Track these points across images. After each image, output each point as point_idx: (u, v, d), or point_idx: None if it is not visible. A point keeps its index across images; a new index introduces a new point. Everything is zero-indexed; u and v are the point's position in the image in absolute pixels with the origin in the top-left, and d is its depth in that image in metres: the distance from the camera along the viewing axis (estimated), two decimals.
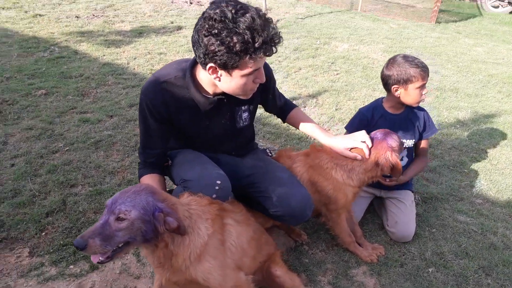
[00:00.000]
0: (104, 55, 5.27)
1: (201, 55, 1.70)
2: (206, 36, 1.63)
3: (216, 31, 1.60)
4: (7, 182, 2.79)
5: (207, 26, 1.62)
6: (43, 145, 3.23)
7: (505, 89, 5.43)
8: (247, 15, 1.61)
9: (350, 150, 2.26)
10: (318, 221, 2.72)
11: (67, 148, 3.24)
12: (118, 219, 1.47)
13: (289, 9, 9.00)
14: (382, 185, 2.77)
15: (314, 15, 8.73)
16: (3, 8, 6.91)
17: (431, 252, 2.56)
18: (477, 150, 3.81)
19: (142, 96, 1.97)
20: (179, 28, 6.74)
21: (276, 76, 5.11)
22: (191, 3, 8.33)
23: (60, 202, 2.66)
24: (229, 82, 1.80)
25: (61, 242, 2.40)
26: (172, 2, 8.26)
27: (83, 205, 2.68)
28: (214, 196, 1.88)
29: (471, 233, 2.74)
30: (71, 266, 2.27)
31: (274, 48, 1.73)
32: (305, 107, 4.37)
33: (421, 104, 2.69)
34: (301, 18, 8.27)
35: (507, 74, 6.02)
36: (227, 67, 1.71)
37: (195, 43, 1.70)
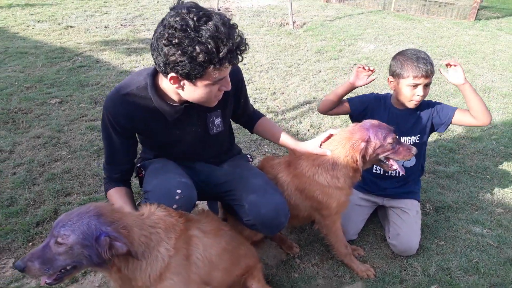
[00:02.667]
0: (123, 63, 5.35)
1: (161, 64, 1.60)
2: (166, 46, 1.52)
3: (177, 40, 1.49)
4: (5, 191, 2.83)
5: (167, 35, 1.50)
6: (47, 153, 3.28)
7: None
8: (210, 23, 1.50)
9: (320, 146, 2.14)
10: (313, 232, 2.56)
11: (69, 156, 3.27)
12: (57, 243, 1.41)
13: (317, 12, 8.82)
14: (384, 192, 2.57)
15: (344, 16, 8.49)
16: (38, 21, 7.24)
17: (436, 267, 2.31)
18: (505, 155, 3.46)
19: (104, 110, 1.88)
20: None
21: (292, 80, 5.04)
22: (219, 9, 8.37)
23: (51, 211, 2.66)
24: (193, 92, 1.69)
25: None
26: None
27: None
28: (174, 206, 1.77)
29: (486, 246, 2.46)
30: None
31: (239, 57, 1.62)
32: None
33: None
34: (330, 20, 8.06)
35: None
36: (190, 77, 1.60)
37: (154, 51, 1.59)
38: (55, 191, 2.84)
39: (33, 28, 6.78)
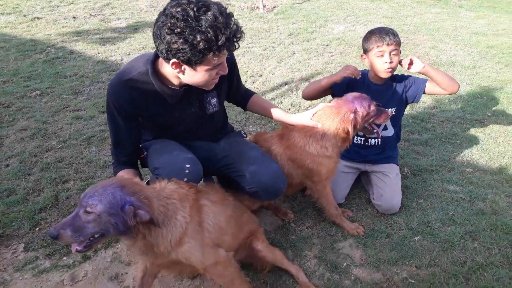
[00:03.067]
0: (98, 53, 5.34)
1: (164, 51, 1.72)
2: (168, 34, 1.64)
3: (179, 30, 1.62)
4: (2, 182, 2.87)
5: (169, 24, 1.63)
6: (36, 144, 3.31)
7: (504, 60, 5.33)
8: (209, 13, 1.63)
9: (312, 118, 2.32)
10: (304, 199, 2.75)
11: (60, 145, 3.32)
12: (86, 212, 1.52)
13: None
14: (366, 159, 2.79)
15: None
16: (2, 14, 7.03)
17: (417, 221, 2.56)
18: (471, 121, 3.76)
19: (108, 97, 1.99)
20: None
21: (269, 62, 5.19)
22: None
23: (52, 198, 2.74)
24: (193, 76, 1.83)
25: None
26: None
27: (75, 199, 2.75)
28: (185, 179, 1.91)
29: (459, 201, 2.73)
30: (64, 258, 2.34)
31: (236, 44, 1.77)
32: (297, 90, 4.36)
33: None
34: (299, 3, 8.21)
35: (507, 45, 5.90)
36: (191, 63, 1.74)
37: (157, 38, 1.71)
38: (52, 179, 2.90)
39: None
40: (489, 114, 3.91)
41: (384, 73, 2.57)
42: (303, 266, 2.26)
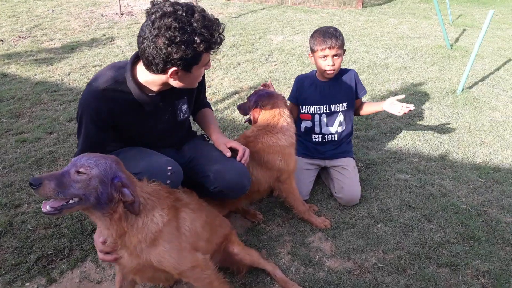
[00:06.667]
0: (35, 75, 5.09)
1: (160, 64, 1.73)
2: (169, 46, 1.66)
3: (178, 38, 1.65)
4: None
5: (167, 35, 1.64)
6: None
7: (429, 59, 5.84)
8: (196, 14, 1.69)
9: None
10: (271, 199, 2.82)
11: (7, 170, 3.12)
12: (78, 172, 1.49)
13: (222, 10, 9.10)
14: (324, 155, 2.93)
15: (247, 12, 8.88)
16: None
17: (377, 210, 2.73)
18: (410, 116, 4.08)
19: (83, 107, 1.94)
20: (112, 39, 6.63)
21: (216, 73, 5.25)
22: (122, 14, 8.21)
23: (6, 223, 2.57)
24: (188, 78, 1.87)
25: (13, 262, 2.32)
26: (102, 16, 8.10)
27: (31, 222, 2.60)
28: (168, 181, 1.91)
29: (412, 188, 2.95)
30: (27, 284, 2.20)
31: (223, 36, 1.83)
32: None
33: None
34: (235, 17, 8.39)
35: (430, 46, 6.45)
36: (190, 67, 1.78)
37: (150, 53, 1.71)
38: (2, 204, 2.72)
39: None
40: (424, 108, 4.25)
41: (326, 74, 2.76)
42: (278, 263, 2.32)
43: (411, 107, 2.74)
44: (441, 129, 3.82)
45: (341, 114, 2.87)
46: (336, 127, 2.88)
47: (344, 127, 2.92)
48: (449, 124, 3.92)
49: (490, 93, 4.68)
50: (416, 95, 4.59)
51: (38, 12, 8.41)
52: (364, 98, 3.09)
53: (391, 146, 3.54)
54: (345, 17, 8.66)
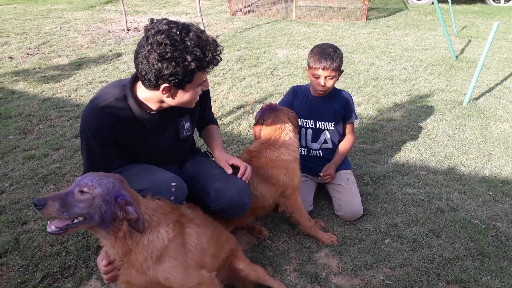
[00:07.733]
0: (43, 91, 5.15)
1: (153, 79, 1.75)
2: (159, 61, 1.69)
3: (169, 55, 1.68)
4: None
5: (158, 51, 1.68)
6: None
7: (435, 71, 5.82)
8: (191, 34, 1.72)
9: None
10: (277, 215, 2.80)
11: (14, 187, 3.14)
12: (82, 192, 1.51)
13: (227, 25, 9.18)
14: (312, 171, 2.93)
15: (252, 27, 8.95)
16: None
17: (385, 225, 2.70)
18: (416, 128, 4.05)
19: (84, 124, 1.96)
20: (119, 55, 6.71)
21: (221, 88, 5.28)
22: (128, 30, 8.31)
23: (12, 241, 2.57)
24: (182, 97, 1.88)
25: (19, 280, 2.31)
26: (109, 32, 8.22)
27: (37, 240, 2.60)
28: (172, 198, 1.91)
29: (419, 202, 2.91)
30: None
31: (219, 58, 1.85)
32: (253, 112, 4.47)
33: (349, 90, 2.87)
34: (240, 32, 8.46)
35: (435, 58, 6.44)
36: (182, 84, 1.80)
37: (143, 68, 1.74)
38: (9, 222, 2.73)
39: None
40: (431, 120, 4.23)
41: (316, 92, 2.77)
42: (284, 281, 2.29)
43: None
44: (448, 141, 3.79)
45: (327, 133, 2.86)
46: (320, 144, 2.90)
47: (329, 146, 2.91)
48: (456, 136, 3.89)
49: (497, 104, 4.65)
50: (422, 107, 4.57)
51: (46, 29, 8.56)
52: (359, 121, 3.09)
53: (397, 159, 3.51)
54: (349, 29, 8.69)
